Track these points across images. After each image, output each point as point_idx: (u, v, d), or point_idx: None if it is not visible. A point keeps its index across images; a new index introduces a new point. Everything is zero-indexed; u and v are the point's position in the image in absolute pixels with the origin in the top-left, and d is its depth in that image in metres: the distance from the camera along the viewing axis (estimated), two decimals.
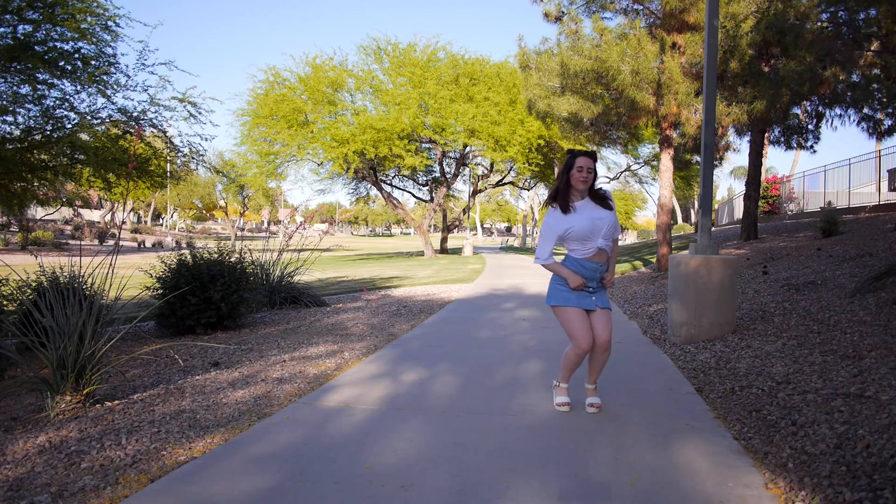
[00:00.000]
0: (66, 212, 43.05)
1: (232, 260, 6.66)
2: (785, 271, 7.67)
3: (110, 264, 4.13)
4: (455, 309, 8.04)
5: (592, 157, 3.31)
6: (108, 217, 50.58)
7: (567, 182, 3.28)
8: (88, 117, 6.92)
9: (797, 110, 13.67)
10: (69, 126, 6.82)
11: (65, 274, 5.01)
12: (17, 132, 6.81)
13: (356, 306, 8.34)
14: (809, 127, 14.21)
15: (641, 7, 11.05)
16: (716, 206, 34.21)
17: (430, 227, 31.71)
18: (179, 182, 11.01)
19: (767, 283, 7.17)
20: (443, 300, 8.99)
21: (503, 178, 31.43)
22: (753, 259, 9.53)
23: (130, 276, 4.60)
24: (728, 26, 9.63)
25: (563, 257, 3.43)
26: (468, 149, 26.19)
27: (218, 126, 9.48)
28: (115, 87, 6.96)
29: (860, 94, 11.98)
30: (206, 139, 8.96)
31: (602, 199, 3.33)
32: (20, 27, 6.21)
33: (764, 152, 16.51)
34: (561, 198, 3.30)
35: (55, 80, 6.59)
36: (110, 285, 4.05)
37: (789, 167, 64.61)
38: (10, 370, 4.48)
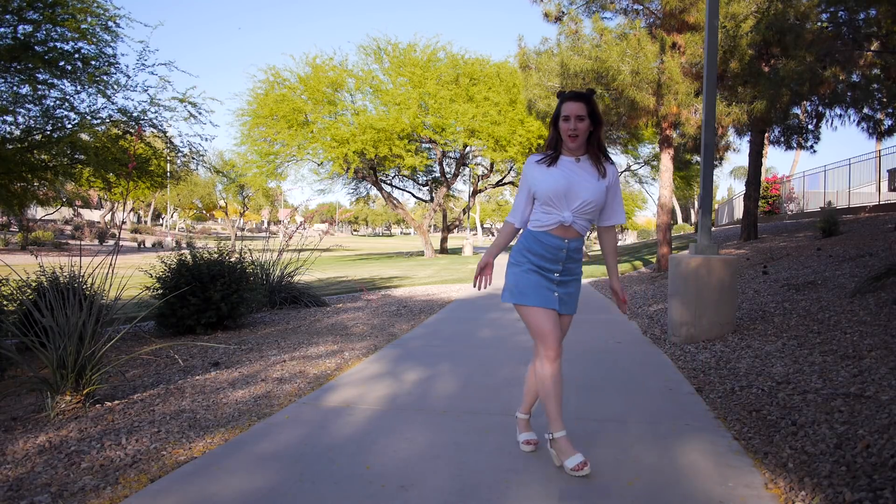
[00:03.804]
0: (66, 212, 43.06)
1: (232, 260, 6.66)
2: (785, 271, 7.67)
3: (110, 264, 4.13)
4: (455, 309, 8.04)
5: (583, 98, 2.43)
6: (108, 217, 50.57)
7: (557, 135, 2.52)
8: (88, 117, 6.94)
9: (797, 110, 13.67)
10: (69, 126, 6.83)
11: (65, 274, 5.00)
12: (18, 132, 6.83)
13: (356, 306, 8.34)
14: (809, 127, 14.22)
15: (641, 7, 11.05)
16: (716, 206, 34.20)
17: (430, 227, 31.71)
18: (179, 182, 11.03)
19: (767, 283, 7.17)
20: (443, 300, 8.99)
21: (503, 178, 31.44)
22: (753, 259, 9.53)
23: (130, 276, 4.60)
24: (728, 26, 9.64)
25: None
26: (468, 149, 26.20)
27: (218, 126, 9.51)
28: (115, 87, 6.98)
29: (860, 94, 11.99)
30: (206, 139, 9.01)
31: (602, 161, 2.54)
32: (20, 27, 6.23)
33: (764, 152, 16.51)
34: (549, 148, 2.55)
35: (55, 80, 6.61)
36: (110, 285, 4.05)
37: (789, 167, 64.70)
38: (10, 370, 4.48)
